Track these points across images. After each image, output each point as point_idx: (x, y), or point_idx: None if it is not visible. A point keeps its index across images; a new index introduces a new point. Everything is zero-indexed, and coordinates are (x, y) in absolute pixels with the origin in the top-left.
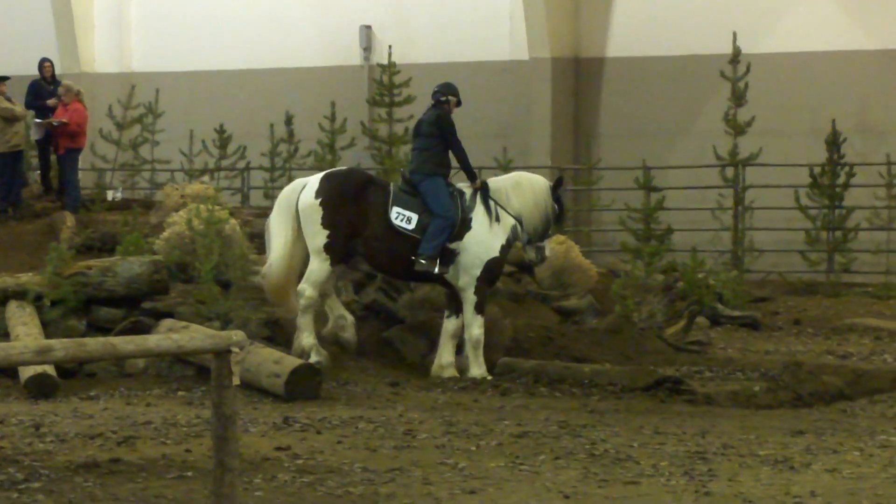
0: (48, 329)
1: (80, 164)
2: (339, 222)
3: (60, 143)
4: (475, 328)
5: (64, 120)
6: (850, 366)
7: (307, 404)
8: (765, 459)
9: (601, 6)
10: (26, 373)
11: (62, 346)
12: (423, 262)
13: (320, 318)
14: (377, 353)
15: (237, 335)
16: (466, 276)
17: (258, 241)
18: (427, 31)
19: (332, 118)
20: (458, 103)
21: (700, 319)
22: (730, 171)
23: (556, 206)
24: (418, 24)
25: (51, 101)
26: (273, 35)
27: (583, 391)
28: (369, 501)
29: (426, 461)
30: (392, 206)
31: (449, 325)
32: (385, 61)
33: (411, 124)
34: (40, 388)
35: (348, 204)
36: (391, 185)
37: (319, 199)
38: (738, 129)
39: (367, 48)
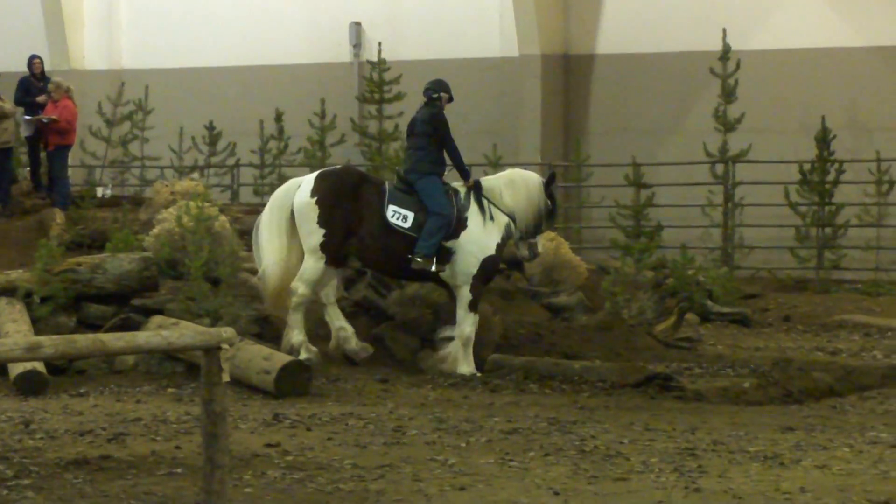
0: (38, 326)
1: (70, 161)
2: (335, 221)
3: (50, 139)
4: (467, 326)
5: (54, 117)
6: (839, 362)
7: (297, 401)
8: (754, 456)
9: (591, 3)
10: (16, 370)
11: (52, 343)
12: (419, 260)
13: (319, 319)
14: None
15: (227, 332)
16: (463, 275)
17: (248, 237)
18: (417, 27)
19: (322, 115)
20: (450, 99)
21: (690, 316)
22: (720, 168)
23: (549, 203)
24: (408, 21)
25: (40, 98)
26: (263, 32)
27: (573, 388)
28: (359, 498)
29: (416, 457)
30: (388, 204)
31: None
32: (375, 58)
33: (401, 121)
34: (30, 385)
35: (344, 202)
36: (386, 183)
37: (315, 198)
38: (727, 126)
39: (357, 45)
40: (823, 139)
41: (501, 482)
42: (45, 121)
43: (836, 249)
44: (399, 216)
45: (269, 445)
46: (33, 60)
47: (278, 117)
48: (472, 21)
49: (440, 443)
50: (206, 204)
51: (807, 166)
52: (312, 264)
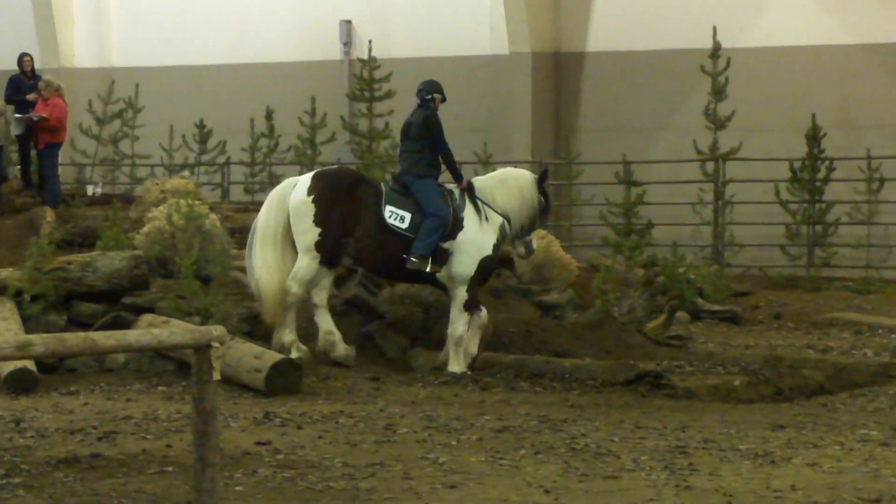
0: (28, 324)
1: (60, 159)
2: (331, 220)
3: (40, 138)
4: (459, 325)
5: (44, 115)
6: (830, 360)
7: (288, 399)
8: (745, 453)
9: (581, 1)
10: (6, 368)
11: (42, 342)
12: (414, 260)
13: (311, 318)
14: (357, 348)
15: (217, 330)
16: (460, 276)
17: (238, 235)
18: (407, 25)
19: (313, 113)
20: (443, 99)
21: (680, 314)
22: (710, 166)
23: (543, 199)
24: (398, 19)
25: (31, 96)
26: (253, 30)
27: (563, 386)
28: (350, 496)
29: (407, 456)
30: (385, 204)
31: (474, 319)
32: (365, 56)
33: (392, 119)
34: (20, 384)
35: (341, 202)
36: (382, 184)
37: (312, 197)
38: (718, 124)
39: (348, 43)
40: (814, 137)
41: (492, 480)
42: (35, 119)
43: (826, 247)
44: (396, 217)
45: (259, 444)
46: (23, 58)
47: (269, 115)
48: (462, 19)
49: (431, 441)
50: (197, 202)
51: (797, 164)
52: (307, 263)
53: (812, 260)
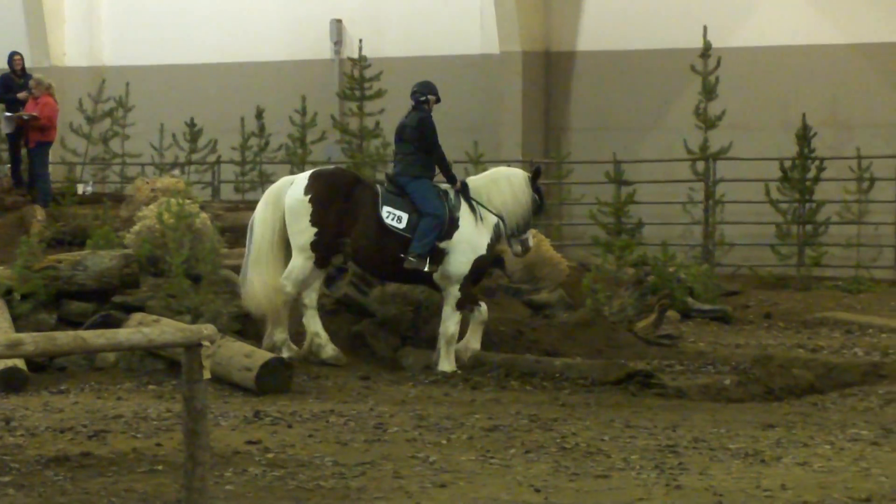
0: (18, 323)
1: (51, 158)
2: (328, 220)
3: (31, 136)
4: (451, 324)
5: (34, 114)
6: (820, 359)
7: (278, 398)
8: (735, 453)
9: (571, 0)
10: None
11: (32, 340)
12: (412, 260)
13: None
14: (348, 347)
15: (208, 329)
16: (455, 275)
17: (229, 234)
18: (397, 24)
19: (303, 112)
20: (438, 101)
21: (671, 313)
22: (700, 165)
23: (537, 197)
24: (389, 18)
25: (21, 95)
26: (243, 29)
27: (554, 385)
28: (340, 495)
29: (397, 455)
30: (382, 205)
31: (474, 315)
32: (356, 55)
33: (382, 118)
34: (10, 382)
35: (337, 202)
36: (378, 185)
37: (309, 196)
38: (708, 123)
39: (338, 42)
40: (804, 136)
41: (482, 479)
42: (25, 118)
43: (816, 247)
44: (394, 217)
45: (250, 442)
46: (14, 57)
47: (259, 114)
48: (452, 18)
49: (421, 440)
50: (187, 201)
51: (788, 163)
52: (301, 263)
53: (802, 259)
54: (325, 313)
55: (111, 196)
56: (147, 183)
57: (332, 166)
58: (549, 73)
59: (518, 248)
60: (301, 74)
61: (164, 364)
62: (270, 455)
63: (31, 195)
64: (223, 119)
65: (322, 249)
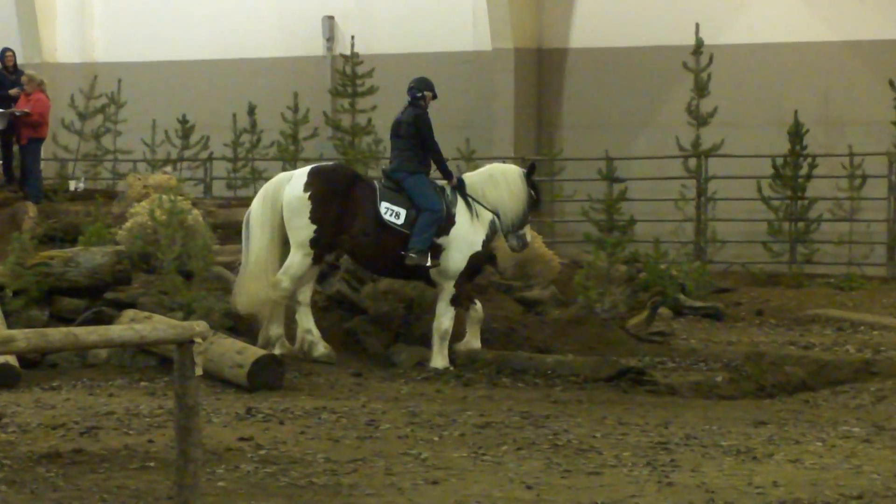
0: (10, 319)
1: (43, 155)
2: (327, 217)
3: (23, 133)
4: (446, 320)
5: (26, 110)
6: (812, 356)
7: (270, 395)
8: (727, 450)
9: None
10: None
11: (24, 337)
12: (413, 255)
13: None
14: (340, 344)
15: (200, 325)
16: (451, 271)
17: (221, 231)
18: (390, 21)
19: (295, 109)
20: (434, 97)
21: (663, 310)
22: (692, 162)
23: (533, 193)
24: (381, 15)
25: (13, 92)
26: (235, 25)
27: (546, 382)
28: (332, 492)
29: (389, 452)
30: (380, 201)
31: (471, 314)
32: (348, 52)
33: (374, 115)
34: (2, 379)
35: (337, 199)
36: (376, 181)
37: (308, 193)
38: (700, 120)
39: (330, 38)
40: (796, 133)
41: (474, 476)
42: (17, 114)
43: (808, 244)
44: (392, 213)
45: (242, 439)
46: (6, 53)
47: (251, 111)
48: (444, 15)
49: (413, 437)
50: (179, 197)
51: (779, 161)
52: (300, 259)
53: (794, 256)
54: (318, 310)
55: (103, 193)
56: (139, 179)
57: (330, 162)
58: (542, 70)
59: (514, 242)
60: (293, 71)
61: (156, 361)
62: (262, 452)
63: (22, 192)
64: (215, 116)
65: (321, 246)
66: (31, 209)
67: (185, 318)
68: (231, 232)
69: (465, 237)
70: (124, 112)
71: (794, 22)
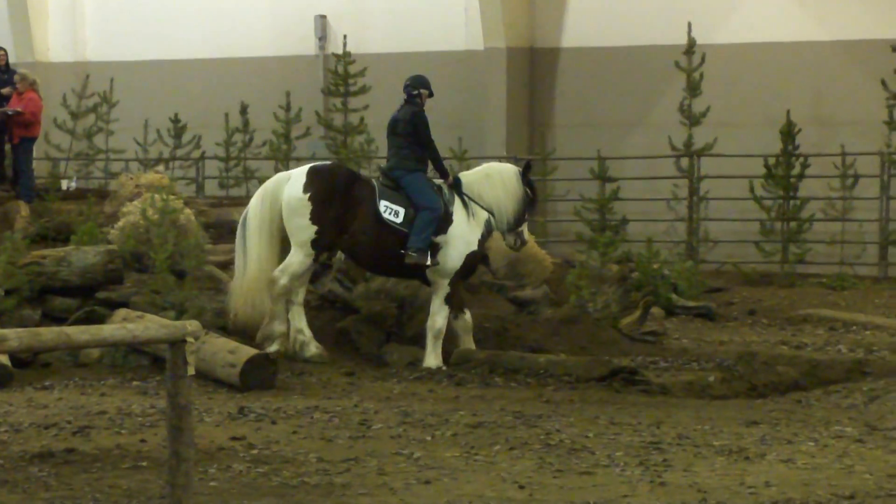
0: (2, 319)
1: (35, 154)
2: (328, 217)
3: (15, 132)
4: (439, 318)
5: (19, 109)
6: (804, 356)
7: (262, 394)
8: (719, 450)
9: None
10: None
11: (17, 336)
12: (413, 254)
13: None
14: (332, 343)
15: (192, 325)
16: (447, 269)
17: (213, 230)
18: (382, 20)
19: (288, 108)
20: (430, 95)
21: (655, 310)
22: (685, 162)
23: (529, 191)
24: (373, 14)
25: (5, 91)
26: (228, 24)
27: (538, 381)
28: (324, 491)
29: (381, 451)
30: (379, 200)
31: (459, 323)
32: (340, 51)
33: (367, 114)
34: None
35: (337, 199)
36: (374, 180)
37: (308, 194)
38: (692, 120)
39: (322, 37)
40: (788, 133)
41: (467, 476)
42: (10, 113)
43: (800, 243)
44: (391, 211)
45: (234, 439)
46: None
47: (243, 110)
48: (437, 14)
49: (405, 436)
50: (171, 197)
51: (772, 160)
52: (301, 259)
53: (786, 256)
54: (310, 309)
55: (95, 192)
56: (131, 179)
57: (329, 161)
58: (534, 69)
59: (513, 240)
60: (285, 70)
61: (149, 360)
62: (255, 451)
63: (14, 191)
64: (207, 115)
65: (322, 246)
66: (24, 208)
67: (178, 318)
68: (223, 231)
69: (463, 236)
70: (116, 111)
71: (787, 21)
